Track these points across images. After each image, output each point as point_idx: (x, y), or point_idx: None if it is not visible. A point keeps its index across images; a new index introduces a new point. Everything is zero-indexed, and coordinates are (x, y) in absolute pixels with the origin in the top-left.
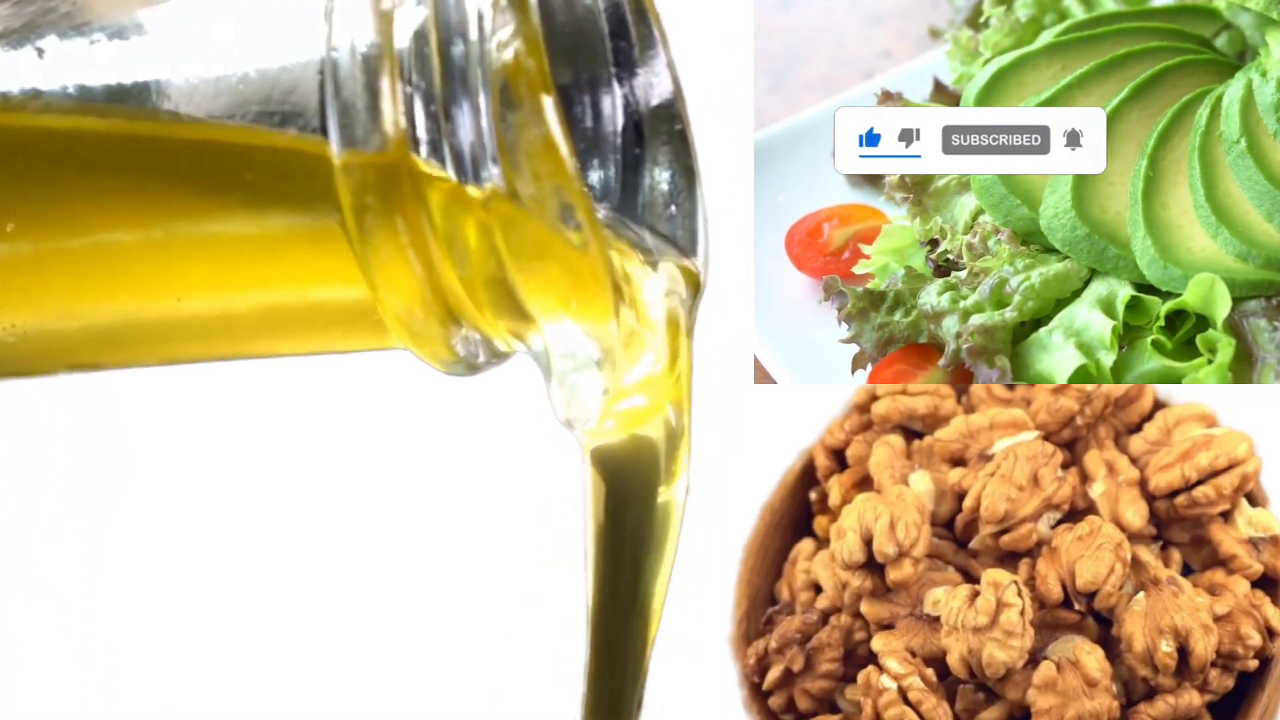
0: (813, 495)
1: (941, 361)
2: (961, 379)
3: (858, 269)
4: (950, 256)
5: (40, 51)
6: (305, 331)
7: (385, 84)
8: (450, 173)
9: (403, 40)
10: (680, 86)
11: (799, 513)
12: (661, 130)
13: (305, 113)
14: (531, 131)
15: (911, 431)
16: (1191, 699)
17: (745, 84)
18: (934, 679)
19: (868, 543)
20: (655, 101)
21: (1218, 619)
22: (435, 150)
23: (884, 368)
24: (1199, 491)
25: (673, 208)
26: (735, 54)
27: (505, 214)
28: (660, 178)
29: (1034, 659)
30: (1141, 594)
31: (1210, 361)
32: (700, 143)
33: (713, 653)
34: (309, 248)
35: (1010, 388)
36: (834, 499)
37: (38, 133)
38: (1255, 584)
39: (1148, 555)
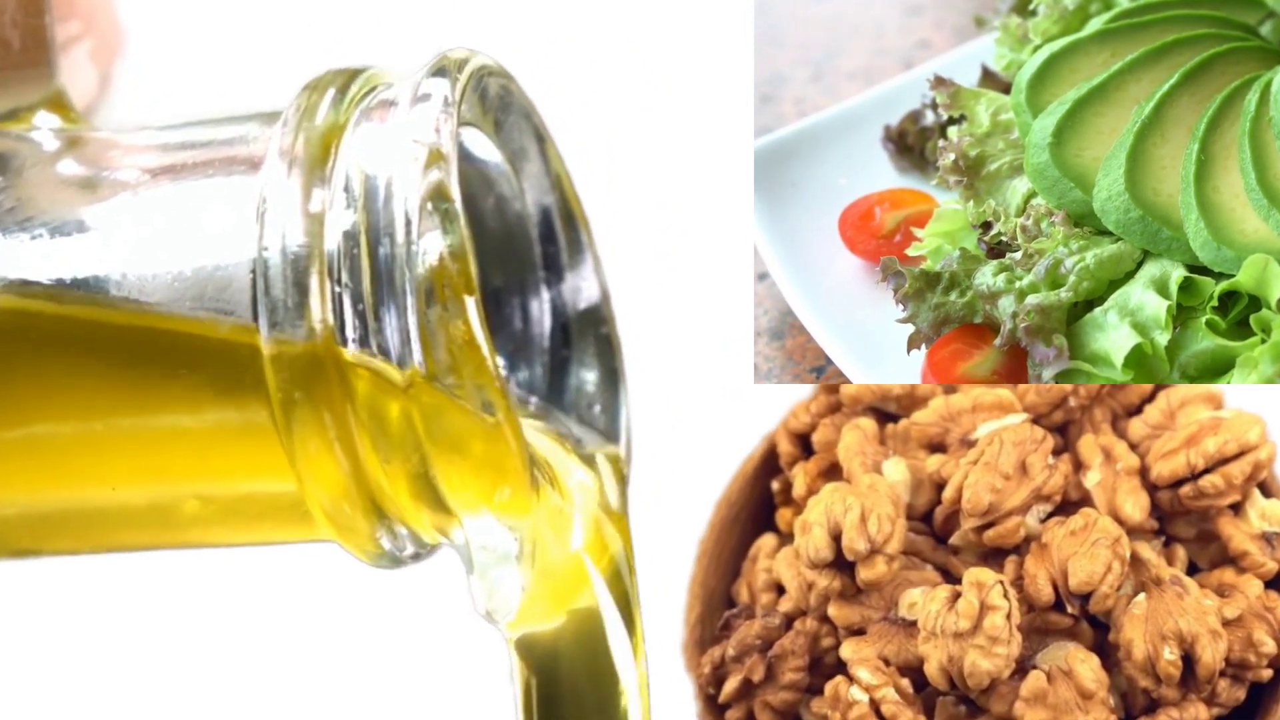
0: (774, 485)
1: (998, 340)
2: (1017, 358)
3: (911, 251)
4: (1003, 238)
5: None
6: (237, 522)
7: (314, 283)
8: (376, 369)
9: (332, 241)
10: (607, 291)
11: (759, 505)
12: (588, 333)
13: (238, 309)
14: (454, 332)
15: (885, 414)
16: (1198, 713)
17: (746, 87)
18: (910, 690)
19: (836, 538)
20: (583, 306)
21: (1227, 623)
22: (363, 347)
23: (940, 347)
24: (1206, 481)
25: (597, 406)
26: (735, 55)
27: (428, 411)
28: (586, 378)
29: (1022, 668)
30: (1142, 595)
31: (1264, 341)
32: (702, 144)
33: (663, 662)
34: (240, 440)
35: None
36: (798, 489)
37: None
38: (1269, 584)
39: (1149, 552)
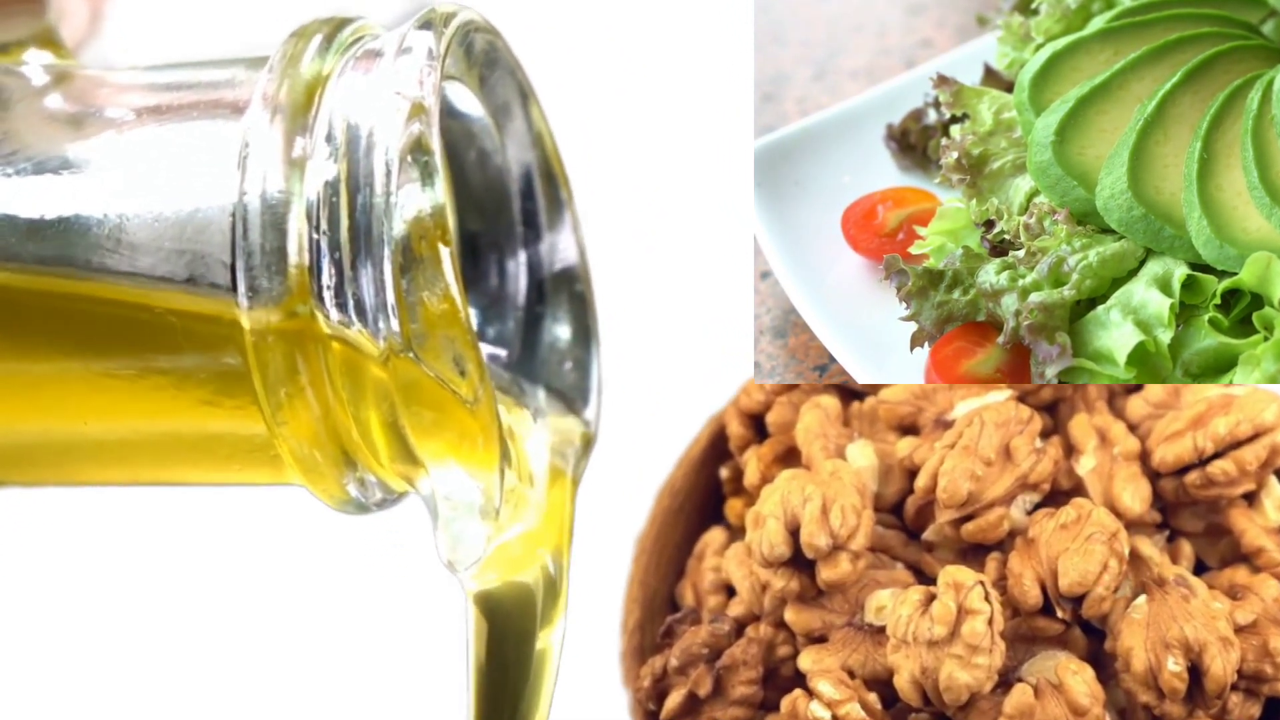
0: (723, 473)
1: (1001, 339)
2: (1020, 356)
3: (914, 249)
4: (1006, 236)
5: None
6: (204, 462)
7: (292, 229)
8: (351, 319)
9: (312, 189)
10: (584, 251)
11: (706, 495)
12: (563, 291)
13: (216, 253)
14: (428, 284)
15: (850, 391)
16: None
17: (748, 86)
18: (877, 706)
19: (793, 533)
20: (559, 266)
21: (1239, 629)
22: (338, 296)
23: (943, 345)
24: (1216, 467)
25: (568, 364)
26: (737, 54)
27: (400, 363)
28: (559, 335)
29: (1005, 681)
30: (1142, 598)
31: (1267, 339)
32: (704, 143)
33: (597, 673)
34: (214, 381)
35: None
36: (750, 477)
37: None
38: None
39: (1150, 549)
